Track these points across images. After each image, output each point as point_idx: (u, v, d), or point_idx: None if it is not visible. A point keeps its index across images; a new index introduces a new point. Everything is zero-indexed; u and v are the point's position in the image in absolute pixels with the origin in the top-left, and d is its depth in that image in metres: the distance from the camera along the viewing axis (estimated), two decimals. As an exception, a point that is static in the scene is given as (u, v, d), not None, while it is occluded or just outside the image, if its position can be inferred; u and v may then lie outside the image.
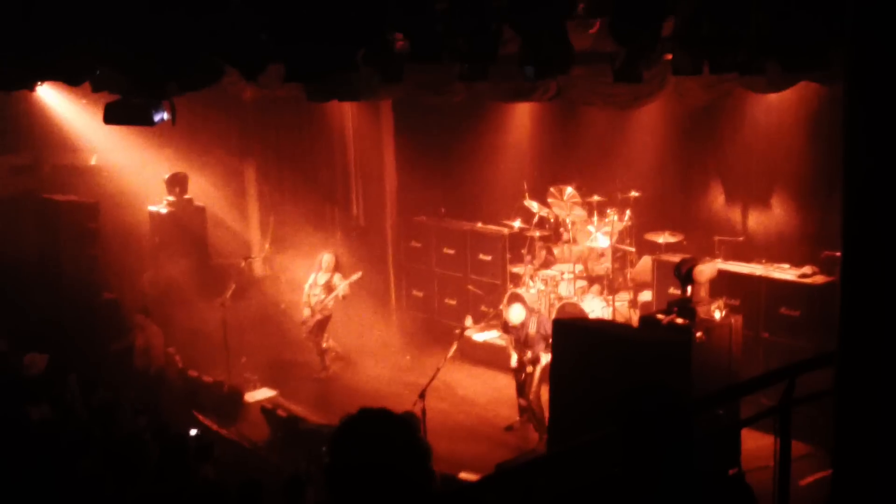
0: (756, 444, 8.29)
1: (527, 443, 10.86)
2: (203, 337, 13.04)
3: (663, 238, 12.09)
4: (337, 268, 13.26)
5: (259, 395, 12.40)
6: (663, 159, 12.59)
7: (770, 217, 11.91)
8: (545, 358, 10.39)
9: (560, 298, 12.65)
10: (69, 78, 8.65)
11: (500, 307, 13.12)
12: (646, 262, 12.56)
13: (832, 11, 5.50)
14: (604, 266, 12.85)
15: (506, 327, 11.08)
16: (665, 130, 12.50)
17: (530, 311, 10.93)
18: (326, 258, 13.23)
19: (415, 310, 15.02)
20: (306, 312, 13.29)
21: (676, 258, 10.28)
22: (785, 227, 11.69)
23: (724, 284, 10.02)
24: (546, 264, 13.24)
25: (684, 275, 8.96)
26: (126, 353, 12.85)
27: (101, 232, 13.92)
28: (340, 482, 2.78)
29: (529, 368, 10.72)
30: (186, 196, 14.31)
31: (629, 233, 12.69)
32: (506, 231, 13.63)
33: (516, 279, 13.39)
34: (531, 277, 13.10)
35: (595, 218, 12.69)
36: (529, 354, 10.69)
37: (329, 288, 13.14)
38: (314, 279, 13.26)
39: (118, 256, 13.96)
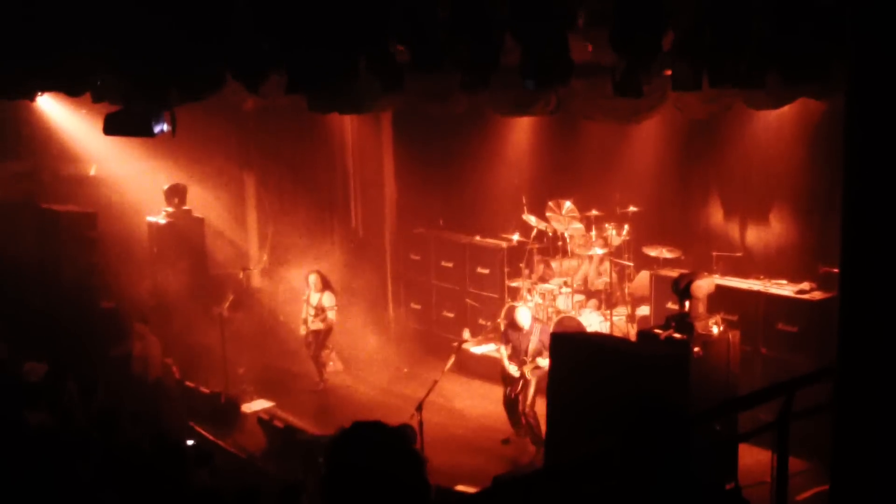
0: (754, 459, 8.29)
1: (524, 456, 10.85)
2: (201, 347, 13.03)
3: (661, 253, 12.09)
4: (325, 285, 13.22)
5: (256, 405, 12.38)
6: (662, 174, 12.60)
7: (768, 233, 11.92)
8: (544, 362, 10.40)
9: (558, 312, 12.65)
10: (70, 88, 8.68)
11: (498, 321, 13.14)
12: (644, 276, 12.57)
13: (833, 24, 5.51)
14: (602, 280, 12.85)
15: (506, 337, 11.06)
16: (664, 145, 12.51)
17: (534, 319, 10.98)
18: (312, 278, 13.21)
19: (413, 322, 15.01)
20: (302, 330, 13.32)
21: (674, 273, 10.30)
22: (783, 243, 11.70)
23: (722, 300, 10.02)
24: (544, 278, 13.25)
25: (682, 290, 8.96)
26: (124, 361, 12.83)
27: (100, 241, 13.91)
28: (336, 494, 2.78)
29: (529, 374, 10.72)
30: (185, 207, 14.32)
31: (627, 247, 12.69)
32: (504, 244, 13.63)
33: (514, 293, 13.39)
34: (529, 291, 13.10)
35: (593, 232, 12.71)
36: (528, 363, 10.70)
37: (320, 308, 13.13)
38: (308, 297, 13.26)
39: (117, 266, 13.95)
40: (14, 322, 12.07)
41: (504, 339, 11.12)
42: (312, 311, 13.16)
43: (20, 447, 7.44)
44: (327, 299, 13.13)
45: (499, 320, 13.19)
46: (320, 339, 13.24)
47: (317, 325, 13.13)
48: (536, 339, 10.71)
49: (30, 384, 9.91)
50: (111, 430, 8.72)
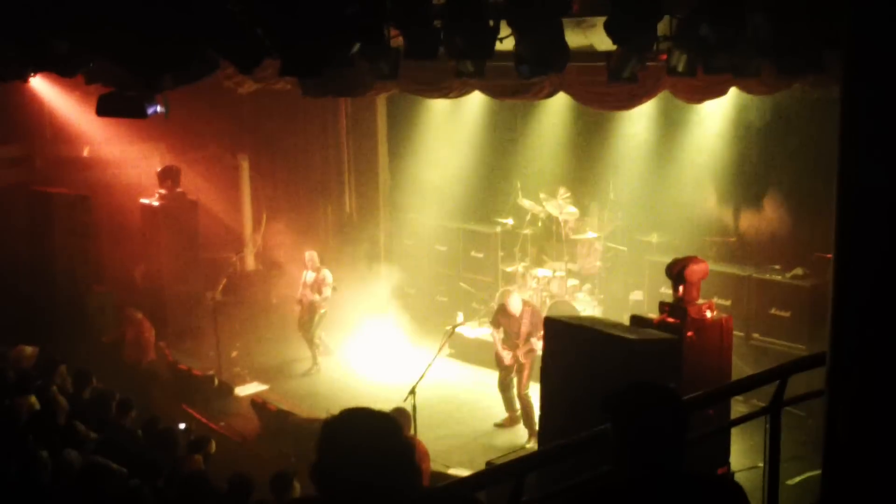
0: (746, 443, 8.34)
1: (517, 439, 10.88)
2: (194, 331, 13.02)
3: (655, 238, 12.11)
4: (322, 263, 13.19)
5: (249, 389, 12.40)
6: (656, 160, 12.60)
7: (762, 219, 11.94)
8: (537, 345, 10.43)
9: (552, 297, 12.67)
10: (63, 69, 8.63)
11: (492, 305, 13.15)
12: (637, 261, 12.59)
13: (827, 15, 5.52)
14: (595, 265, 12.87)
15: (497, 322, 11.08)
16: (658, 130, 12.50)
17: (525, 303, 11.01)
18: (307, 255, 13.21)
19: (407, 306, 15.01)
20: (297, 310, 13.31)
21: (668, 258, 10.31)
22: (776, 229, 11.72)
23: (716, 285, 10.06)
24: (538, 263, 13.26)
25: (676, 275, 8.96)
26: (116, 346, 12.83)
27: (92, 224, 13.88)
28: (328, 479, 2.79)
29: (522, 359, 10.75)
30: (179, 189, 14.28)
31: (621, 232, 12.71)
32: (498, 229, 13.63)
33: (508, 277, 13.40)
34: (523, 276, 13.11)
35: (588, 217, 12.73)
36: (521, 347, 10.72)
37: (317, 285, 13.11)
38: (304, 278, 13.25)
39: (110, 249, 13.93)
40: (6, 306, 12.06)
41: (496, 323, 11.14)
42: (308, 291, 13.13)
43: (10, 433, 7.46)
44: (324, 276, 13.10)
45: (493, 304, 13.21)
46: (315, 320, 13.21)
47: (314, 296, 13.08)
48: (527, 322, 10.75)
49: (21, 370, 9.91)
50: (104, 415, 8.73)
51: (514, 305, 10.82)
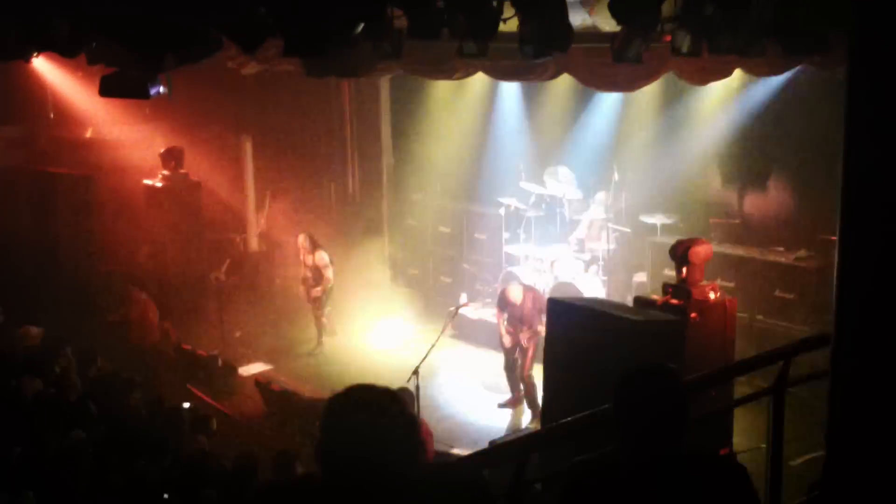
0: (749, 424, 8.35)
1: (520, 420, 10.91)
2: (198, 311, 13.04)
3: (659, 219, 12.09)
4: (315, 245, 13.17)
5: (253, 369, 12.42)
6: (660, 140, 12.56)
7: (766, 200, 11.91)
8: (539, 328, 10.45)
9: (556, 278, 12.66)
10: (65, 49, 8.61)
11: (496, 286, 13.15)
12: (641, 243, 12.58)
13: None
14: (599, 246, 12.85)
15: (501, 306, 11.09)
16: (662, 111, 12.46)
17: (526, 288, 11.00)
18: (300, 239, 13.19)
19: (410, 287, 15.02)
20: (301, 291, 13.33)
21: (672, 239, 10.30)
22: (781, 211, 11.70)
23: (720, 266, 10.05)
24: (541, 244, 13.24)
25: (680, 256, 8.95)
26: (121, 326, 12.85)
27: (96, 205, 13.88)
28: (332, 458, 2.79)
29: (525, 342, 10.77)
30: (182, 170, 14.26)
31: (625, 214, 12.69)
32: (502, 210, 13.61)
33: (512, 258, 13.39)
34: (526, 257, 13.10)
35: (591, 198, 12.70)
36: (524, 331, 10.74)
37: (316, 268, 13.10)
38: (303, 259, 13.27)
39: (113, 230, 13.94)
40: (10, 287, 12.08)
41: (500, 307, 11.16)
42: (310, 273, 13.15)
43: (16, 414, 7.48)
44: (319, 258, 13.10)
45: (496, 286, 13.21)
46: (321, 300, 13.22)
47: (316, 291, 13.11)
48: (529, 307, 10.76)
49: (27, 350, 9.94)
50: (109, 395, 8.76)
51: (514, 295, 10.84)
